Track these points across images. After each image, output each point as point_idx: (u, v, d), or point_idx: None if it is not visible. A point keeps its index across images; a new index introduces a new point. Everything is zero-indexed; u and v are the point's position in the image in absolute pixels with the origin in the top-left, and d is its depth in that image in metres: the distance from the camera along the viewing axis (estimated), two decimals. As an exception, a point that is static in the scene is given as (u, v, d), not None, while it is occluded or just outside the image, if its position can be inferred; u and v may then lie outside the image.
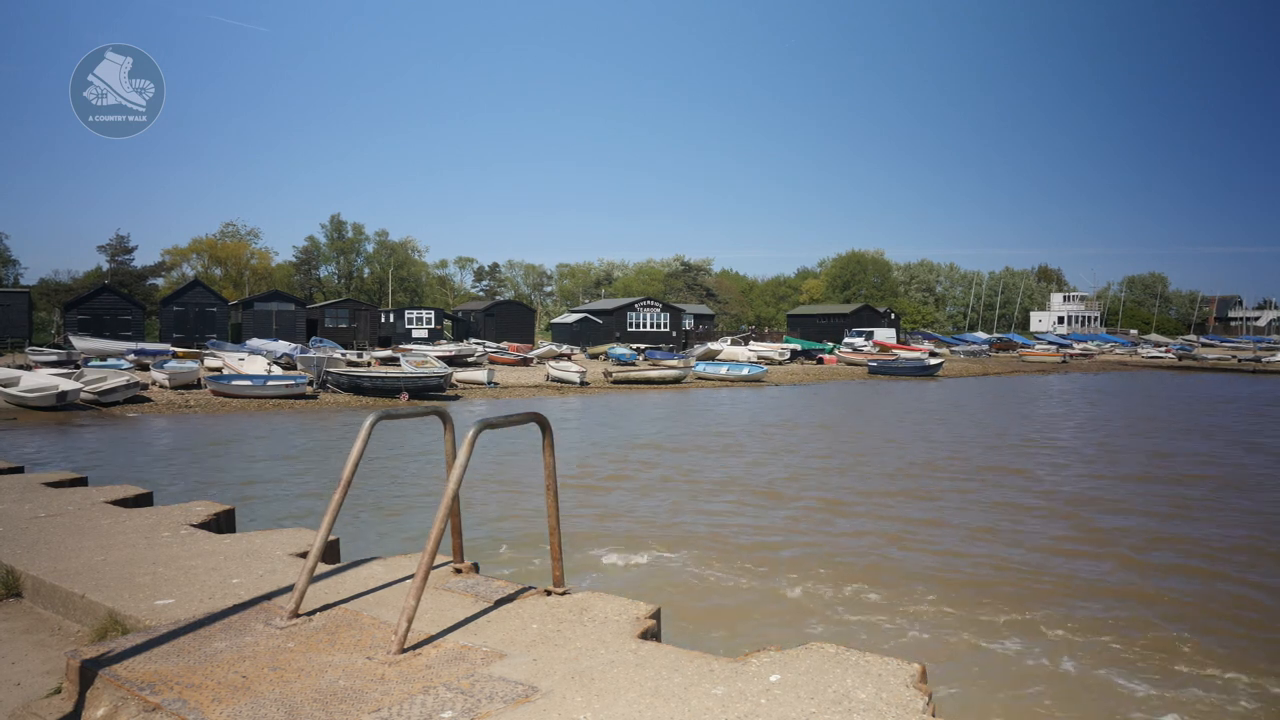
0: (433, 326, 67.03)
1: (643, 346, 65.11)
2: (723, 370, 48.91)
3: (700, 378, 48.12)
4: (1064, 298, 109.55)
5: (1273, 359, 68.23)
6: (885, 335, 75.53)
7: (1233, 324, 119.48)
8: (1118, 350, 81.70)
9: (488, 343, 62.42)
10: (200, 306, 58.61)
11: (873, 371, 55.81)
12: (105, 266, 72.65)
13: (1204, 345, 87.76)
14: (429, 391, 34.45)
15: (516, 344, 62.81)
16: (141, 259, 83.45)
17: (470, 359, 48.60)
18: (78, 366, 36.75)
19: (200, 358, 42.20)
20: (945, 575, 10.86)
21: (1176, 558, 11.87)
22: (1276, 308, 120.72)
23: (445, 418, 4.58)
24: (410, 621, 3.45)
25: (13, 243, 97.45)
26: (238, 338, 58.68)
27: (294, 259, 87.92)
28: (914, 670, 3.11)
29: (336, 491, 3.98)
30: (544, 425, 4.15)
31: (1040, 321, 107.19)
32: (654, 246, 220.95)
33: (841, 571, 10.96)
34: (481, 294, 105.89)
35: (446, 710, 2.91)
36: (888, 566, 11.26)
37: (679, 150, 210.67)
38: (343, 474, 3.98)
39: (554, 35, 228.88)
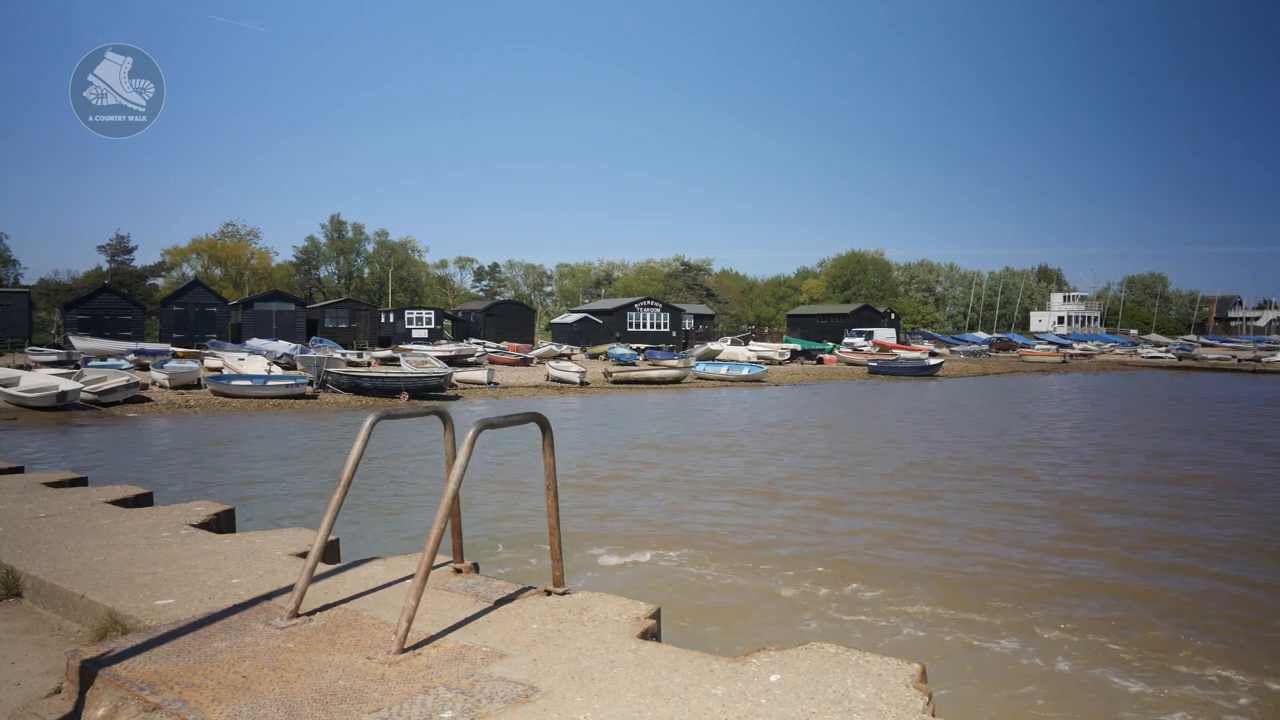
0: (433, 326, 67.04)
1: (643, 346, 65.11)
2: (723, 370, 48.92)
3: (700, 378, 48.12)
4: (1064, 298, 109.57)
5: (1273, 359, 68.25)
6: (885, 335, 75.53)
7: (1233, 324, 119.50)
8: (1118, 350, 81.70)
9: (488, 343, 62.42)
10: (200, 306, 58.62)
11: (873, 371, 55.81)
12: (105, 266, 72.65)
13: (1204, 345, 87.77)
14: (429, 391, 34.45)
15: (516, 344, 62.81)
16: (141, 259, 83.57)
17: (470, 359, 48.60)
18: (78, 366, 36.75)
19: (200, 358, 42.20)
20: (944, 575, 10.87)
21: (1175, 557, 11.88)
22: (1276, 308, 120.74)
23: (445, 418, 4.58)
24: (410, 621, 3.45)
25: (13, 243, 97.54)
26: (238, 338, 58.68)
27: (294, 259, 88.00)
28: (914, 670, 3.11)
29: (336, 491, 3.98)
30: (544, 425, 4.15)
31: (1040, 321, 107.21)
32: (654, 246, 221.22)
33: (842, 571, 10.97)
34: (481, 294, 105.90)
35: (446, 710, 2.91)
36: (887, 566, 11.26)
37: (679, 150, 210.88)
38: (343, 474, 3.98)
39: (554, 35, 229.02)
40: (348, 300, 69.59)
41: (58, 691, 3.44)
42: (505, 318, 73.45)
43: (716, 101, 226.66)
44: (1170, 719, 7.07)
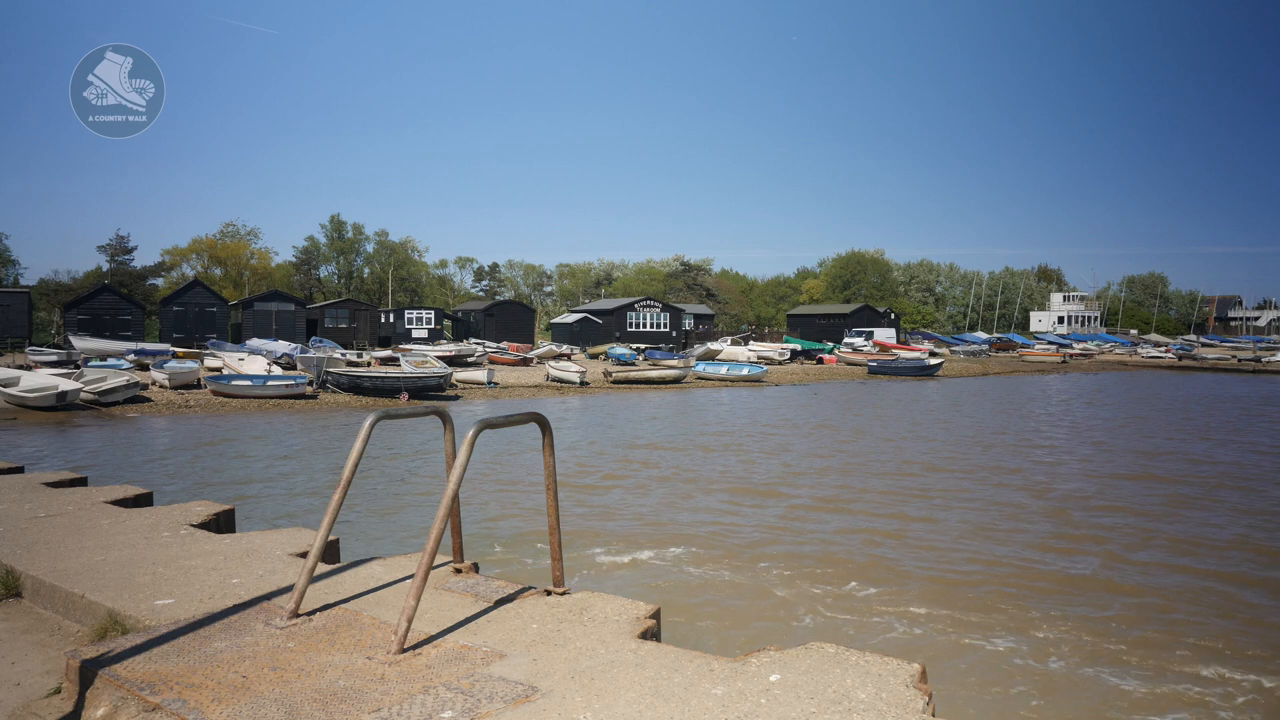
0: (433, 326, 67.02)
1: (642, 346, 65.10)
2: (722, 370, 48.92)
3: (700, 378, 48.12)
4: (1064, 298, 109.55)
5: (1273, 359, 68.27)
6: (885, 335, 75.53)
7: (1233, 324, 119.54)
8: (1117, 350, 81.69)
9: (488, 343, 62.41)
10: (200, 306, 58.61)
11: (872, 371, 55.81)
12: (105, 266, 72.61)
13: (1204, 345, 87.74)
14: (429, 391, 34.45)
15: (516, 344, 62.80)
16: (141, 259, 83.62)
17: (470, 359, 48.60)
18: (78, 366, 36.75)
19: (200, 358, 42.20)
20: (942, 573, 10.87)
21: (1171, 556, 11.88)
22: (1276, 308, 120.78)
23: (445, 418, 4.58)
24: (410, 621, 3.45)
25: (13, 243, 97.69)
26: (238, 338, 58.68)
27: (294, 259, 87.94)
28: (914, 670, 3.11)
29: (336, 491, 3.99)
30: (544, 425, 4.15)
31: (1040, 321, 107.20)
32: (654, 246, 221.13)
33: (841, 570, 10.97)
34: (481, 294, 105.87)
35: (446, 710, 2.91)
36: (885, 565, 11.27)
37: (679, 150, 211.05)
38: (343, 474, 3.99)
39: (554, 35, 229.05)
40: (348, 300, 69.55)
41: (58, 691, 3.44)
42: (505, 318, 73.45)
43: (717, 101, 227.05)
44: (1166, 719, 7.07)
